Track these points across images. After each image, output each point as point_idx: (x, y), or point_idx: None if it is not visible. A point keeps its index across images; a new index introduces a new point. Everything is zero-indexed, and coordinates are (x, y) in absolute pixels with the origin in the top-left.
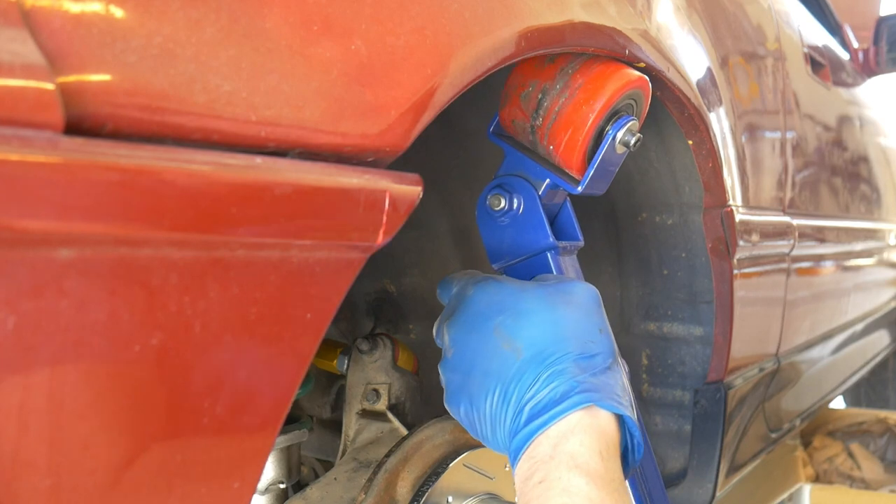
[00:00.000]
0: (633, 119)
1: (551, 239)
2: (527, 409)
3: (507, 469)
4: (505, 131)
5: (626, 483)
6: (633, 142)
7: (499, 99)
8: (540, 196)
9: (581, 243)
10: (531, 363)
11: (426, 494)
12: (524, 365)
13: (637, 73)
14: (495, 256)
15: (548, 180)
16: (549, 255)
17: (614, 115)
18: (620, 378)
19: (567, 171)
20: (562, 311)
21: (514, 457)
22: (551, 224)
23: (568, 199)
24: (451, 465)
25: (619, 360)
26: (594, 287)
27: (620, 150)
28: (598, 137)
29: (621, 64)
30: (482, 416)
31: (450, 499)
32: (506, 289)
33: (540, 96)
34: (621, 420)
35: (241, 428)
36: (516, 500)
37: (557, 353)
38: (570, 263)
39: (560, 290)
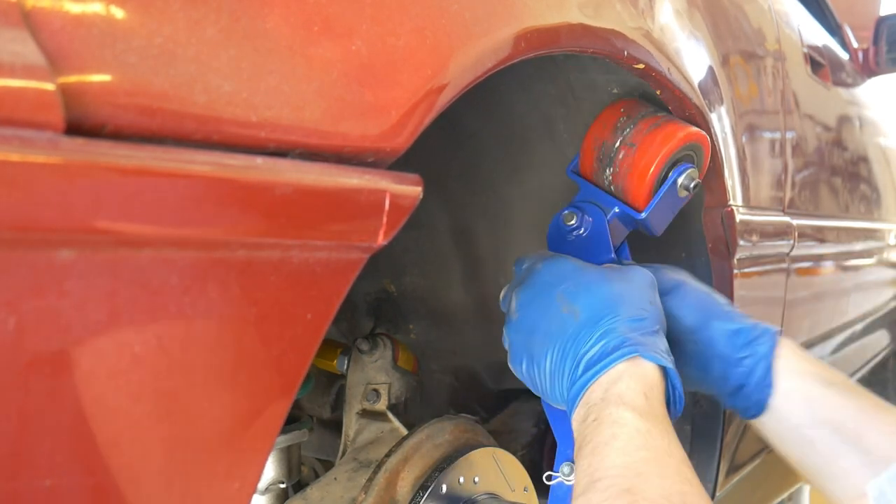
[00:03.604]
0: (692, 167)
1: (612, 255)
2: (583, 362)
3: (525, 491)
4: (581, 171)
5: (669, 421)
6: (692, 186)
7: (498, 98)
8: (608, 220)
9: None
10: (587, 324)
11: (454, 463)
12: (581, 326)
13: (696, 129)
14: None
15: (616, 208)
16: None
17: (675, 164)
18: (665, 342)
19: (633, 206)
20: (617, 284)
21: (572, 405)
22: None
23: (627, 243)
24: (483, 448)
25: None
26: (650, 272)
27: (682, 193)
28: (663, 182)
29: (681, 122)
30: (542, 371)
31: (476, 479)
32: (571, 264)
33: (612, 146)
34: (665, 373)
35: (241, 428)
36: (575, 440)
37: (610, 315)
38: None
39: (617, 270)
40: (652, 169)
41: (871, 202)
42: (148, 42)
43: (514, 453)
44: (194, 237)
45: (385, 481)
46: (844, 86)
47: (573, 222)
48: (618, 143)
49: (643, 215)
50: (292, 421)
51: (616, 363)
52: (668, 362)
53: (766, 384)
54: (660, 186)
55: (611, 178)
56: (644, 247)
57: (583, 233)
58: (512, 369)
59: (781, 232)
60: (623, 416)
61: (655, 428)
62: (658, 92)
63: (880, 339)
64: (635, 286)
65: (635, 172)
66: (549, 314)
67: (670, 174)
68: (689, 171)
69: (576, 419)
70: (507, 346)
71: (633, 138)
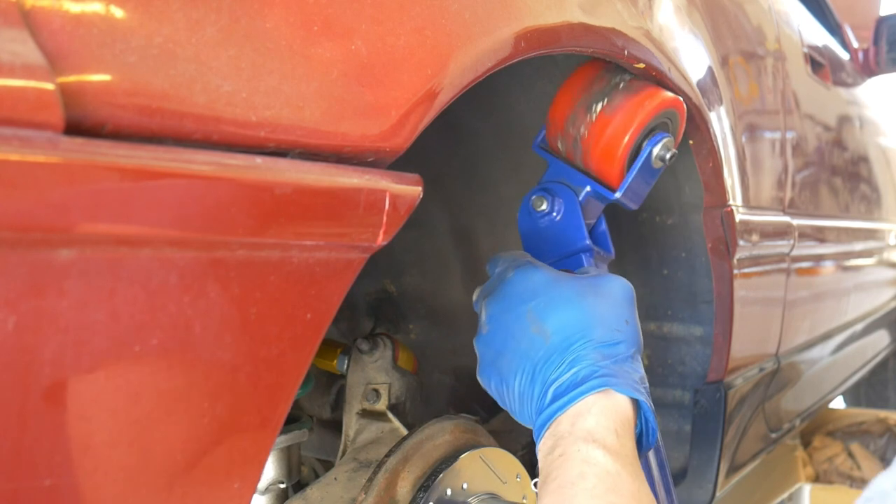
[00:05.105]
0: (668, 136)
1: (587, 241)
2: (551, 390)
3: (518, 479)
4: (549, 146)
5: (639, 461)
6: (668, 156)
7: (498, 98)
8: (580, 202)
9: (612, 256)
10: (557, 348)
11: (442, 474)
12: (551, 349)
13: (671, 94)
14: (532, 256)
15: (588, 187)
16: (583, 256)
17: (650, 133)
18: (641, 368)
19: (606, 182)
20: (591, 301)
21: (539, 432)
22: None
23: (603, 217)
24: (468, 453)
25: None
26: (628, 282)
27: (657, 164)
28: (636, 153)
29: (657, 86)
30: (511, 391)
31: (465, 485)
32: (542, 276)
33: (583, 115)
34: (637, 405)
35: (241, 428)
36: (539, 471)
37: (582, 339)
38: (603, 271)
39: (593, 282)
40: (624, 142)
41: (872, 202)
42: (147, 42)
43: (514, 453)
44: (194, 237)
45: (385, 481)
46: (844, 86)
47: (544, 207)
48: (587, 113)
49: (618, 195)
50: (292, 421)
51: (585, 395)
52: (642, 395)
53: None
54: (634, 158)
55: (580, 151)
56: (643, 247)
57: (556, 216)
58: (480, 383)
59: (781, 232)
60: (592, 454)
61: (625, 469)
62: None
63: (880, 339)
64: (610, 303)
65: (606, 146)
66: (518, 333)
67: (644, 145)
68: (664, 140)
69: (542, 450)
70: (477, 356)
71: (602, 106)
